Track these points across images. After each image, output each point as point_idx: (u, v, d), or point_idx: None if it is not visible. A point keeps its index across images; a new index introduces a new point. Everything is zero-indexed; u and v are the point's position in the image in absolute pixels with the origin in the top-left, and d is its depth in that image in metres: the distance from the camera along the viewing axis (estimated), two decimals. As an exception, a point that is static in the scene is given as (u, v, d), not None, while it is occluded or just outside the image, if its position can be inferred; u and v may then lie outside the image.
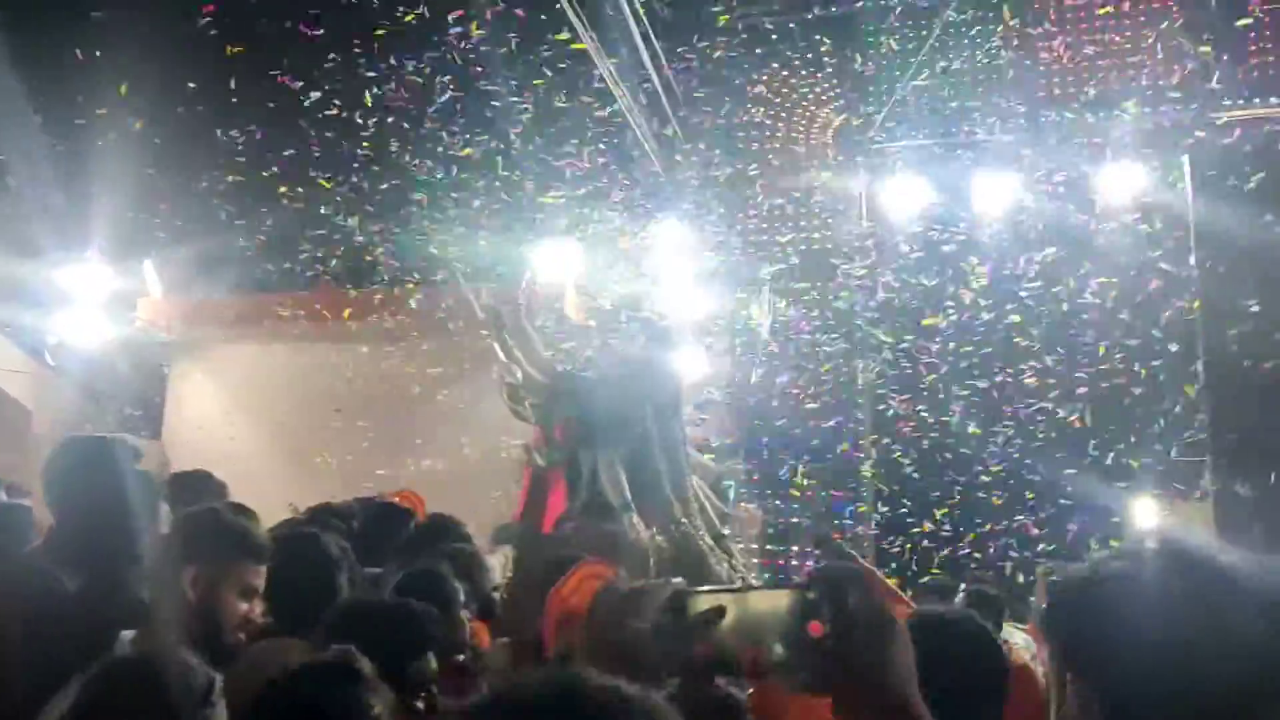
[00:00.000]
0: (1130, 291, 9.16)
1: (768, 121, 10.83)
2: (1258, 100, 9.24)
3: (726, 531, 6.23)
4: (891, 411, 9.96)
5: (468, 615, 3.00)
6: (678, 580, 1.30)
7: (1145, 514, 10.55)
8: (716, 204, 10.58)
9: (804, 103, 10.83)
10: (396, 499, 5.83)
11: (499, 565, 4.74)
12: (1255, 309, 8.14)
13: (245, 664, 2.34)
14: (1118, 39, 9.77)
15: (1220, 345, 8.31)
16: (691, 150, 10.70)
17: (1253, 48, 9.30)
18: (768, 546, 9.68)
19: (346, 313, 9.95)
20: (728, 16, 10.56)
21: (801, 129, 10.76)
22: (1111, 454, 9.89)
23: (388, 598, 2.93)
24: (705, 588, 1.23)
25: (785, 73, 10.78)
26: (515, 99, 9.53)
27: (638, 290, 9.98)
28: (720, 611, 1.18)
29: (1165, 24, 9.43)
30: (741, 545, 7.39)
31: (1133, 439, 10.00)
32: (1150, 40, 9.52)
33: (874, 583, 5.24)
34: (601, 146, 10.10)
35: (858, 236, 10.45)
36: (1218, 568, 1.61)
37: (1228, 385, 8.44)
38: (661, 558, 5.56)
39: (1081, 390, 9.52)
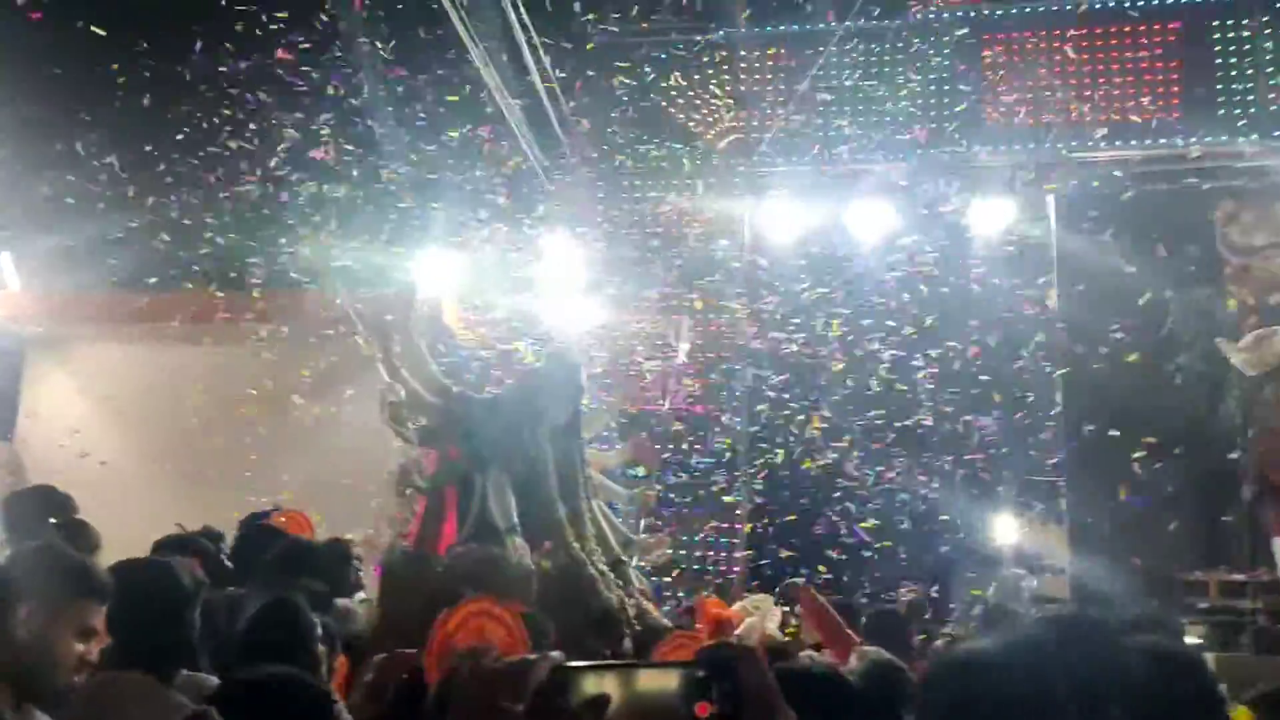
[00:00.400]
0: (998, 319, 9.51)
1: (655, 141, 10.90)
2: (1119, 143, 9.69)
3: (630, 558, 6.19)
4: (765, 441, 10.09)
5: (324, 649, 2.92)
6: (556, 655, 1.25)
7: (1005, 532, 10.98)
8: (602, 222, 10.60)
9: (691, 124, 10.94)
10: (283, 519, 5.71)
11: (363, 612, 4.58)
12: (1111, 339, 8.48)
13: (81, 702, 2.24)
14: (990, 78, 10.13)
15: (1078, 373, 8.64)
16: (578, 166, 10.71)
17: (1116, 93, 9.76)
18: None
19: (273, 307, 9.60)
20: (628, 67, 10.62)
21: (688, 150, 10.85)
22: (977, 478, 10.27)
23: (246, 630, 2.84)
24: (587, 663, 1.17)
25: (674, 93, 10.88)
26: (398, 106, 9.39)
27: (522, 304, 9.92)
28: (605, 701, 1.14)
29: (1033, 68, 9.83)
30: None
31: (995, 463, 10.41)
32: (1020, 82, 9.91)
33: (818, 614, 5.23)
34: (486, 159, 10.00)
35: (739, 260, 10.58)
36: (1099, 650, 1.67)
37: (1084, 409, 8.76)
38: (547, 582, 5.50)
39: (953, 415, 9.85)
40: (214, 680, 2.57)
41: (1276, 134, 9.22)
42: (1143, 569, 7.97)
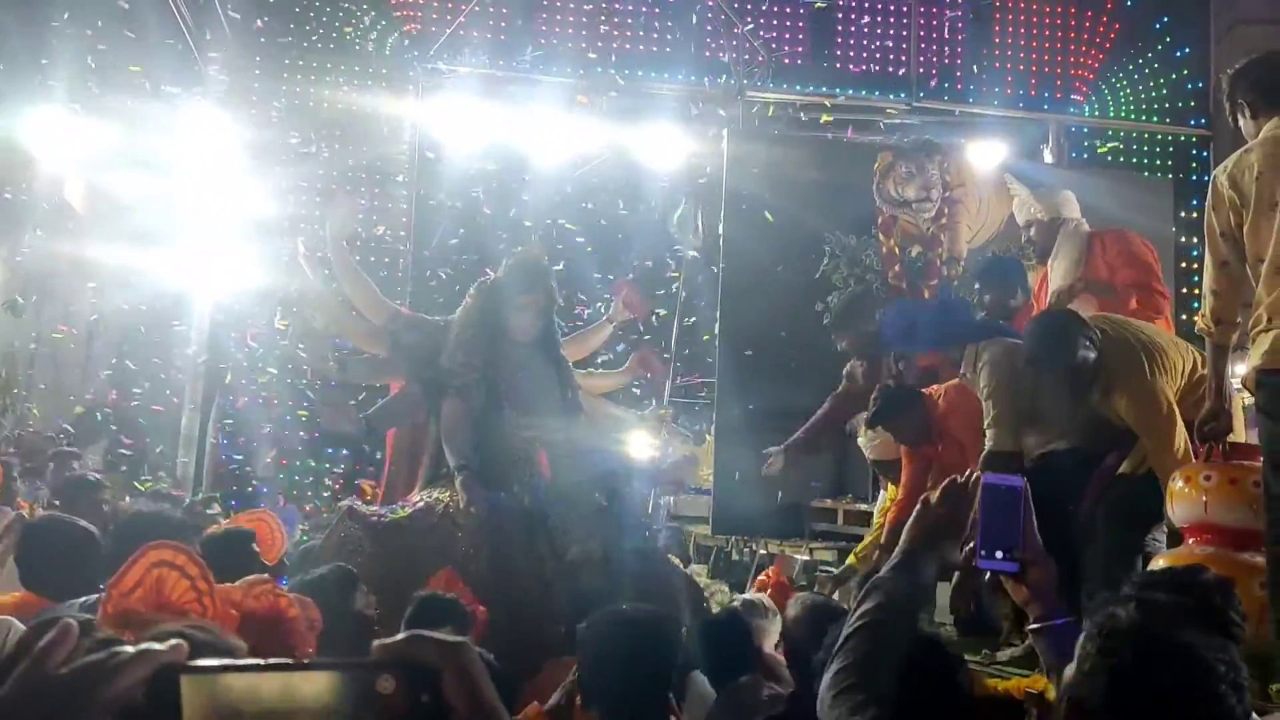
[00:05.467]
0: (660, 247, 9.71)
1: (320, 23, 10.08)
2: (785, 86, 10.10)
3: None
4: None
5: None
6: (167, 646, 0.85)
7: (645, 450, 11.34)
8: (257, 102, 9.66)
9: (358, 11, 10.21)
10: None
11: None
12: (769, 275, 8.85)
13: None
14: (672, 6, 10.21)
15: (736, 306, 8.93)
16: (235, 41, 9.66)
17: (787, 37, 10.16)
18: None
19: None
20: None
21: (356, 38, 10.14)
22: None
23: None
24: (214, 664, 0.80)
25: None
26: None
27: (161, 185, 8.85)
28: None
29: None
30: None
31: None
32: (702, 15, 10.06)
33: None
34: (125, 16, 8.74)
35: (402, 160, 10.03)
36: None
37: (738, 340, 9.09)
38: (502, 527, 4.77)
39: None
40: None
41: (922, 96, 10.03)
42: (779, 492, 8.47)
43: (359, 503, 5.06)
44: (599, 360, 7.27)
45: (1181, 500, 4.48)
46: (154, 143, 8.97)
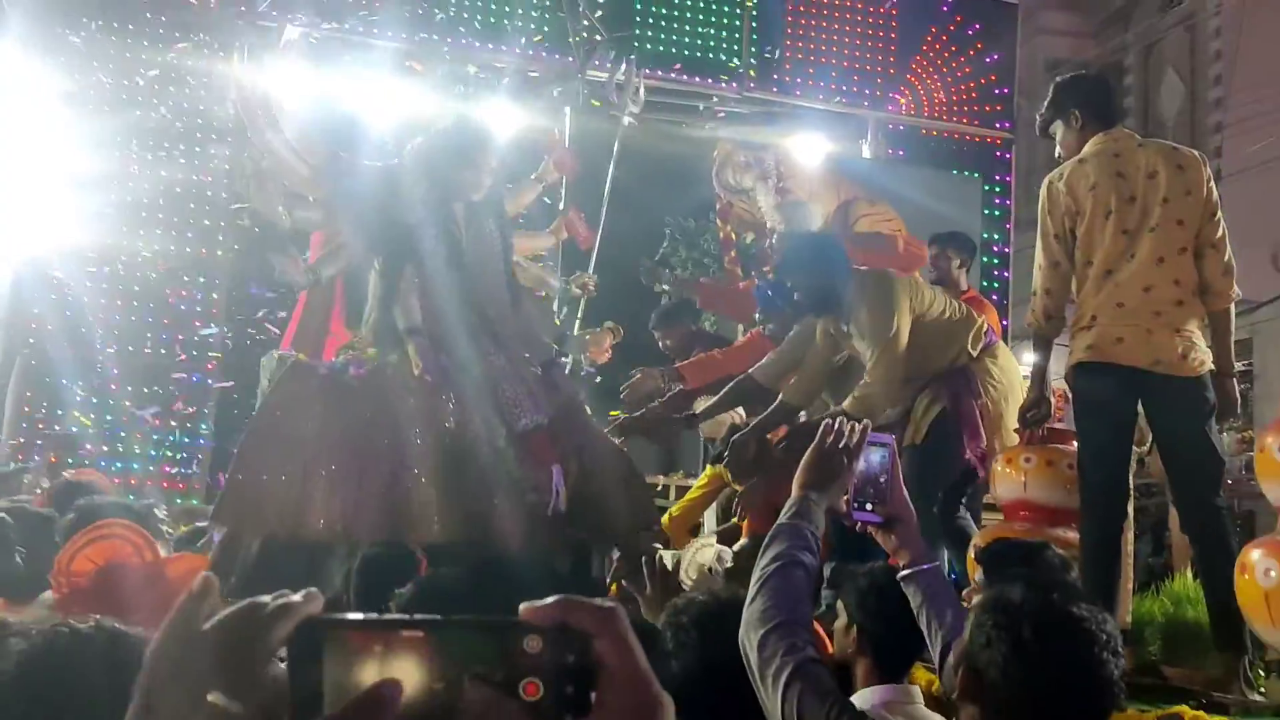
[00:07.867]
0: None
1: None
2: (624, 67, 10.15)
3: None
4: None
5: None
6: (301, 597, 0.77)
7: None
8: (66, 48, 9.05)
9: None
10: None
11: None
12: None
13: None
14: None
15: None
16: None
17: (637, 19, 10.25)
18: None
19: None
20: None
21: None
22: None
23: None
24: (355, 617, 0.75)
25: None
26: None
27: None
28: (388, 694, 0.72)
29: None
30: None
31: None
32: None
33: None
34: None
35: (226, 118, 9.57)
36: None
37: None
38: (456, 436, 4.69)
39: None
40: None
41: (752, 87, 10.33)
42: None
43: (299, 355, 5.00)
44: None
45: (1003, 480, 4.90)
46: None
